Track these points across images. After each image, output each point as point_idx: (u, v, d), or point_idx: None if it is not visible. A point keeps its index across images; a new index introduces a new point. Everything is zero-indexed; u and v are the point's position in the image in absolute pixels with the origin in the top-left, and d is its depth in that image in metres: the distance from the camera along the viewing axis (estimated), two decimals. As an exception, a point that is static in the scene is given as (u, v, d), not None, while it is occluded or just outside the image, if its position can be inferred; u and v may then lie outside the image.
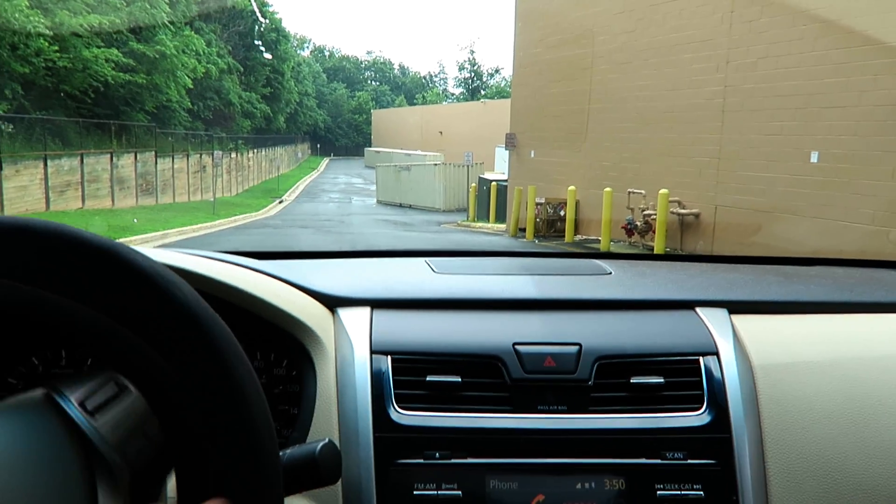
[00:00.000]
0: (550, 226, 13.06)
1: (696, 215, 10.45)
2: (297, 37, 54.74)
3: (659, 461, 0.81)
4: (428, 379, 0.84)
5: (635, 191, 11.02)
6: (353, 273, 1.15)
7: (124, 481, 0.45)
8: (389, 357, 0.86)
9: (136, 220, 13.59)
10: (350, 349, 0.87)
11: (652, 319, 0.95)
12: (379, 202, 22.15)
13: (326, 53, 64.49)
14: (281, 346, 0.91)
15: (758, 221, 9.40)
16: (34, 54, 15.37)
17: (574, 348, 0.87)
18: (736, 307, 0.99)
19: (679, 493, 0.79)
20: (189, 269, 0.83)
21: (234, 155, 26.29)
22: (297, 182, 29.72)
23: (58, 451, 0.43)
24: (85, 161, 15.81)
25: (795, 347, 0.93)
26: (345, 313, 0.93)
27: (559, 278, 1.13)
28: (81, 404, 0.46)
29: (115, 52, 18.11)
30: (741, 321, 0.96)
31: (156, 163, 19.73)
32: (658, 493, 0.79)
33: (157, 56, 20.24)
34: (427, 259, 1.19)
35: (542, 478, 0.80)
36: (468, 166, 19.71)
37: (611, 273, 1.14)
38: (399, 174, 21.79)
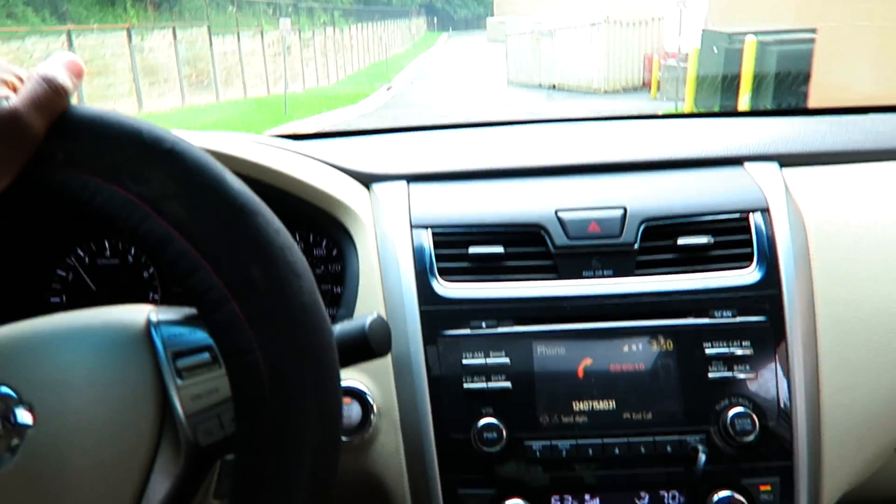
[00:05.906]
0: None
1: None
2: None
3: (707, 320, 0.83)
4: (470, 251, 0.86)
5: None
6: (389, 148, 1.12)
7: (184, 453, 0.47)
8: (430, 230, 0.88)
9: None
10: (389, 224, 0.89)
11: (698, 178, 0.95)
12: (510, 83, 17.35)
13: None
14: (319, 226, 0.92)
15: None
16: None
17: (618, 212, 0.88)
18: (787, 160, 0.97)
19: (727, 350, 0.81)
20: (220, 151, 0.84)
21: (329, 31, 20.97)
22: (408, 63, 25.31)
23: (137, 394, 0.46)
24: (75, 42, 10.29)
25: (852, 200, 0.91)
26: (380, 189, 0.94)
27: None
28: (175, 356, 0.48)
29: None
30: (793, 175, 0.95)
31: (210, 43, 14.30)
32: (707, 351, 0.82)
33: None
34: (466, 130, 1.21)
35: (588, 343, 0.83)
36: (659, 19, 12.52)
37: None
38: (538, 43, 16.63)
